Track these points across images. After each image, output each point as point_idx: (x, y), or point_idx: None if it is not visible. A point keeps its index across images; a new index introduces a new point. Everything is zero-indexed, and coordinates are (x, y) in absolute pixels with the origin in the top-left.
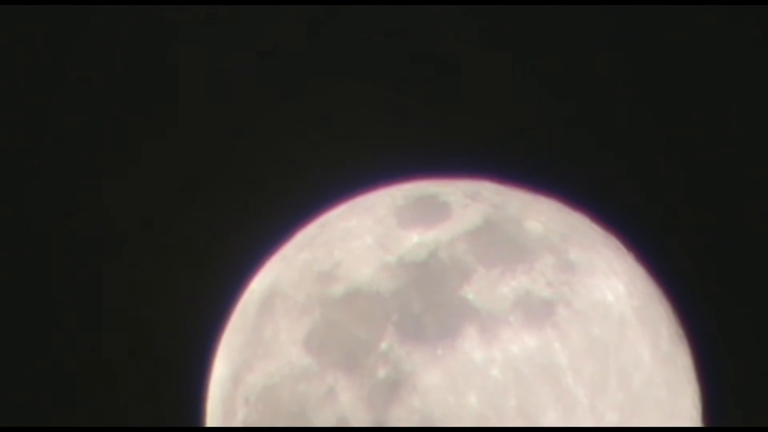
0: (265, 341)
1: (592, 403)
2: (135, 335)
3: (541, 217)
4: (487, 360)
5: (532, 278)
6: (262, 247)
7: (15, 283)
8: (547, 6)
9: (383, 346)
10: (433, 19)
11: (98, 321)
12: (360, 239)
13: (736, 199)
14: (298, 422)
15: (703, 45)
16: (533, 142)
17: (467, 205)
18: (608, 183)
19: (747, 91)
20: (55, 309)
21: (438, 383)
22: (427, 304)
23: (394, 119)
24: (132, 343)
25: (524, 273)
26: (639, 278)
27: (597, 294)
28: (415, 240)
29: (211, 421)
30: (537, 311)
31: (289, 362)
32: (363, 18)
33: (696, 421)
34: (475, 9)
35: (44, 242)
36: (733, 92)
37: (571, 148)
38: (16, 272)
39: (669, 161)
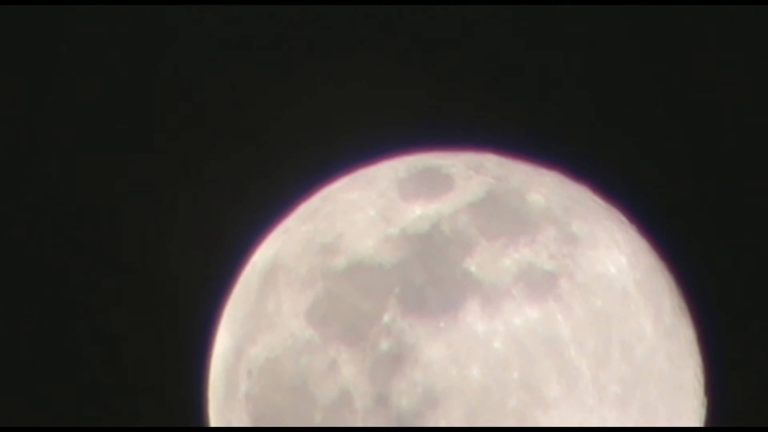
0: (267, 314)
1: (594, 375)
2: (137, 308)
3: (543, 189)
4: (489, 332)
5: (534, 250)
6: (264, 219)
7: (12, 259)
8: None
9: (386, 318)
10: None
11: (99, 293)
12: (362, 211)
13: (740, 171)
14: (300, 395)
15: (710, 18)
16: (536, 114)
17: (470, 177)
18: (611, 155)
19: (753, 62)
20: (55, 281)
21: (440, 356)
22: (430, 277)
23: (396, 91)
24: (133, 316)
25: (527, 245)
26: (641, 250)
27: (599, 266)
28: (418, 212)
29: (213, 394)
30: (539, 283)
31: (292, 335)
32: None
33: (699, 393)
34: None
35: (43, 217)
36: (736, 65)
37: (573, 121)
38: (13, 249)
39: (672, 133)
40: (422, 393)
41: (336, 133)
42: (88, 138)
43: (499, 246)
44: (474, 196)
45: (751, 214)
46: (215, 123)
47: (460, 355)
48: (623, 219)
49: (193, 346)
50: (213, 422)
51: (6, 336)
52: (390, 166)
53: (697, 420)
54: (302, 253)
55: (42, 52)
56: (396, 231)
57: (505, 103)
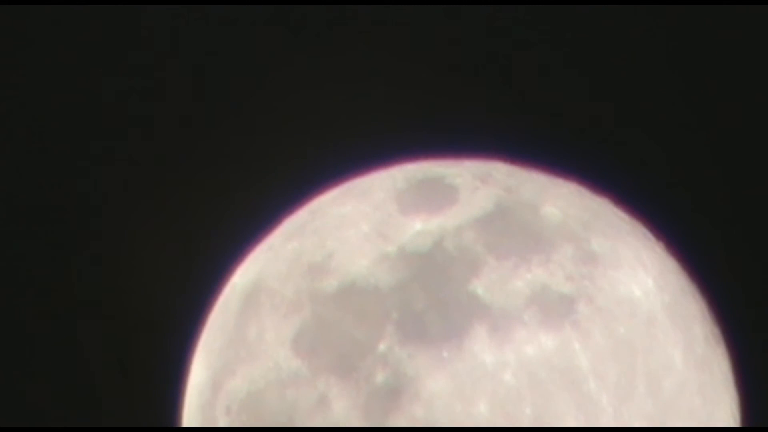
0: (248, 342)
1: (617, 411)
2: (102, 335)
3: (559, 201)
4: (498, 363)
5: (549, 271)
6: (245, 236)
7: None
8: None
9: (382, 347)
10: None
11: (62, 319)
12: (356, 227)
13: None
14: None
15: (743, 22)
16: (550, 117)
17: (477, 188)
18: (635, 163)
19: None
20: (26, 305)
21: (443, 389)
22: (432, 301)
23: (394, 92)
24: (99, 345)
25: (540, 265)
26: (670, 271)
27: (623, 289)
28: (418, 228)
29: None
30: (555, 308)
31: (276, 366)
32: None
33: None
34: None
35: (17, 234)
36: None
37: (593, 125)
38: None
39: (703, 139)
40: None
41: (326, 138)
42: (58, 148)
43: (509, 266)
44: (481, 210)
45: None
46: (191, 128)
47: (466, 388)
48: (649, 235)
49: (165, 378)
50: None
51: None
52: (387, 176)
53: None
54: (288, 274)
55: (30, 49)
56: (393, 249)
57: (517, 106)
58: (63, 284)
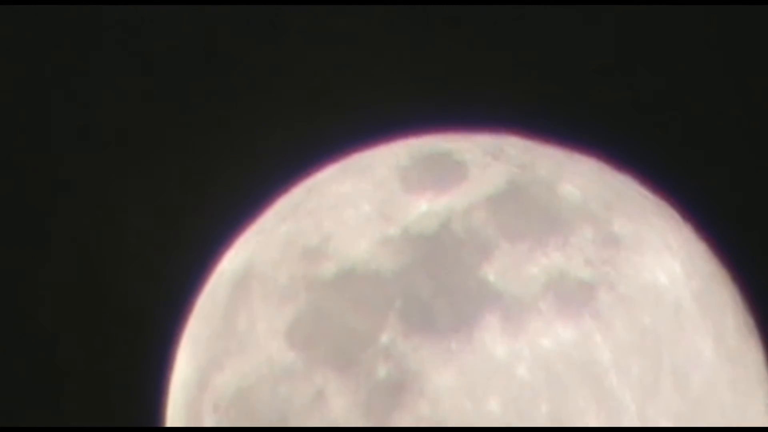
0: (238, 333)
1: (641, 408)
2: (79, 327)
3: (578, 179)
4: (511, 356)
5: (567, 255)
6: (234, 217)
7: None
8: None
9: (384, 339)
10: None
11: (34, 309)
12: (355, 207)
13: None
14: None
15: None
16: (568, 87)
17: (488, 164)
18: (661, 138)
19: None
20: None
21: (451, 385)
22: (438, 288)
23: (397, 59)
24: (79, 336)
25: (557, 249)
26: (699, 256)
27: (647, 275)
28: (424, 208)
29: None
30: (573, 296)
31: (269, 359)
32: None
33: None
34: None
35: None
36: None
37: (615, 96)
38: None
39: (734, 110)
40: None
41: (323, 110)
42: (29, 126)
43: (523, 250)
44: (493, 188)
45: None
46: (175, 99)
47: (476, 384)
48: (677, 217)
49: (147, 373)
50: None
51: None
52: (390, 151)
53: None
54: (281, 259)
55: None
56: (397, 231)
57: (531, 75)
58: (41, 271)
